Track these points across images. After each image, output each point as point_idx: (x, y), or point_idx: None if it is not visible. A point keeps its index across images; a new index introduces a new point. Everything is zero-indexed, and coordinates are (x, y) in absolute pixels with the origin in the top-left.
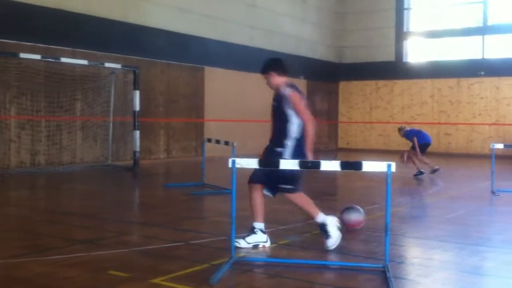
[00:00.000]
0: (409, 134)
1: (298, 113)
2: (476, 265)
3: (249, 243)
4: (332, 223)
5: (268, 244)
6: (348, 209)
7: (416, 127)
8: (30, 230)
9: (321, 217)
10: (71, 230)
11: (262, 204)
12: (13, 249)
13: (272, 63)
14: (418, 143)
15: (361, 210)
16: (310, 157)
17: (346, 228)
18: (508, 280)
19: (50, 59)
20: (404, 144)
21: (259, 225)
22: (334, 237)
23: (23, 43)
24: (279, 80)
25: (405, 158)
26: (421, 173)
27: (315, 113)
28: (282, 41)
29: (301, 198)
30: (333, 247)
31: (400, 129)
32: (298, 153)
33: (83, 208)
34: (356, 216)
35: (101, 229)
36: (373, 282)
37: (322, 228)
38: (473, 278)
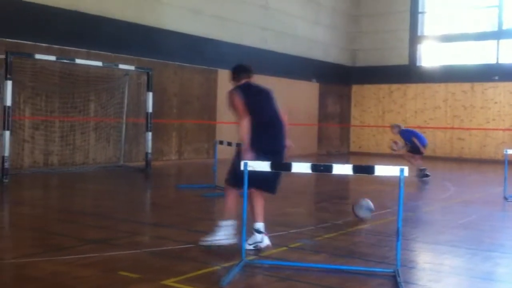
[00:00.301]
0: (406, 134)
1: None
2: (488, 271)
3: (249, 245)
4: (227, 229)
5: (264, 245)
6: (361, 206)
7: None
8: (43, 229)
9: (226, 223)
10: (84, 230)
11: (261, 205)
12: (26, 248)
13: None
14: (420, 143)
15: (371, 207)
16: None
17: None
18: None
19: (65, 60)
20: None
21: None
22: (214, 238)
23: (38, 44)
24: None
25: (395, 147)
26: (426, 174)
27: (326, 116)
28: (294, 43)
29: (229, 194)
30: (204, 243)
31: (393, 126)
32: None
33: (95, 208)
34: (365, 215)
35: (113, 229)
36: (384, 287)
37: (218, 226)
38: (485, 284)
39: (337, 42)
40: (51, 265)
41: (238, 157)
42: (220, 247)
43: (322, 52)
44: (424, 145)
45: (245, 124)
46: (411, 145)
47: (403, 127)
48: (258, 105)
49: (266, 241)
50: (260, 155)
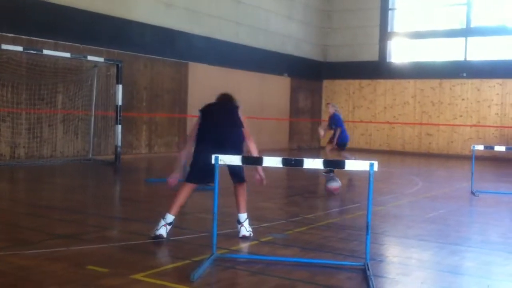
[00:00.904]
0: (337, 119)
1: None
2: (455, 264)
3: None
4: (164, 222)
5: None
6: (330, 179)
7: (398, 127)
8: (10, 223)
9: (169, 216)
10: (52, 224)
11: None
12: None
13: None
14: (339, 139)
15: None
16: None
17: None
18: (486, 280)
19: (32, 51)
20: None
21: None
22: (158, 231)
23: (5, 34)
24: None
25: (323, 133)
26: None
27: (298, 111)
28: (267, 38)
29: (182, 189)
30: (153, 235)
31: (332, 105)
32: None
33: (64, 202)
34: (335, 184)
35: (82, 224)
36: (353, 280)
37: (162, 219)
38: (452, 277)
39: (309, 38)
40: (18, 259)
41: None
42: (191, 242)
43: (294, 47)
44: (343, 142)
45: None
46: (333, 132)
47: (338, 112)
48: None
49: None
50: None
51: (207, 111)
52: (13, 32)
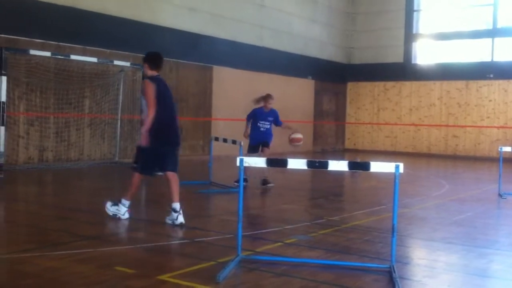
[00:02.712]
0: (275, 114)
1: (147, 102)
2: (482, 267)
3: (169, 221)
4: (123, 210)
5: (178, 222)
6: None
7: (424, 129)
8: (38, 225)
9: (123, 203)
10: (79, 226)
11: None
12: (21, 244)
13: (148, 56)
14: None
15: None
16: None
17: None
18: None
19: (60, 56)
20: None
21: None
22: (119, 212)
23: (33, 40)
24: (149, 72)
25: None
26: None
27: (322, 113)
28: (290, 41)
29: (134, 179)
30: (109, 212)
31: (272, 98)
32: (151, 141)
33: (90, 204)
34: (297, 135)
35: (108, 226)
36: (379, 282)
37: (122, 203)
38: (479, 280)
39: (333, 40)
40: (47, 260)
41: (144, 145)
42: (216, 243)
43: (318, 49)
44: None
45: (152, 113)
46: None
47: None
48: (166, 100)
49: (180, 219)
50: (163, 146)
51: None
52: (42, 37)
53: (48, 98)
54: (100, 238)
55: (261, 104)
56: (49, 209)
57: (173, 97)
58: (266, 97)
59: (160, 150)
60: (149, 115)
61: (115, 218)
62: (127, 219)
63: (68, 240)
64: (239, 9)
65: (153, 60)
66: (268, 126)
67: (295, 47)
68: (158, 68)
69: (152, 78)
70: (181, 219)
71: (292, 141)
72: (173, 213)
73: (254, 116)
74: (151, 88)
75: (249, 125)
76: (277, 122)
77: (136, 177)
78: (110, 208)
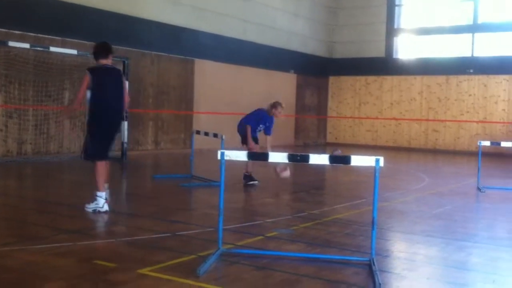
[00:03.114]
0: (272, 126)
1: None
2: (461, 260)
3: (89, 208)
4: (101, 202)
5: (103, 209)
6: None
7: (405, 123)
8: (18, 219)
9: (99, 195)
10: (59, 220)
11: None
12: (0, 238)
13: (93, 48)
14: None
15: None
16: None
17: None
18: (493, 275)
19: (39, 48)
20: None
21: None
22: (97, 206)
23: (12, 31)
24: (96, 63)
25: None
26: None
27: (304, 107)
28: (274, 35)
29: (95, 168)
30: (88, 209)
31: (282, 108)
32: (90, 128)
33: (70, 198)
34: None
35: (88, 219)
36: (359, 275)
37: (97, 196)
38: (458, 273)
39: (316, 34)
40: (26, 254)
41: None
42: (197, 237)
43: (300, 44)
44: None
45: (76, 102)
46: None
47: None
48: (106, 88)
49: (106, 207)
50: (103, 134)
51: None
52: (20, 29)
53: (27, 90)
54: (80, 231)
55: (266, 108)
56: (29, 202)
57: (119, 85)
58: (276, 105)
59: (108, 136)
60: (73, 102)
61: (96, 212)
62: (107, 211)
63: (48, 234)
64: (222, 2)
65: (94, 51)
66: (262, 130)
67: (278, 41)
68: (100, 58)
69: (92, 69)
70: (106, 206)
71: (279, 174)
72: (100, 199)
73: (258, 122)
74: (85, 80)
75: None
76: (268, 130)
77: (97, 165)
78: (89, 207)
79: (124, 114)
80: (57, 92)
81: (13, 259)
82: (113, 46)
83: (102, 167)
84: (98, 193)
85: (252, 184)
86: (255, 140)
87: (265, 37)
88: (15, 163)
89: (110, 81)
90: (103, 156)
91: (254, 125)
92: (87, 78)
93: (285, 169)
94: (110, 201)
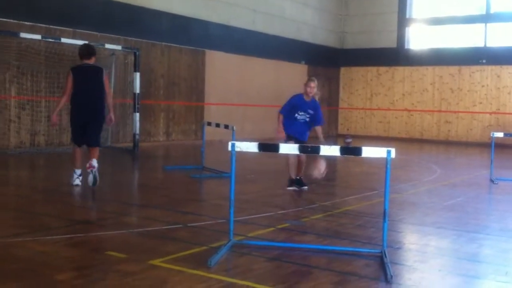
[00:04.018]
0: (319, 109)
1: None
2: (473, 252)
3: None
4: (73, 177)
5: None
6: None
7: (417, 114)
8: (30, 210)
9: (78, 171)
10: (71, 210)
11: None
12: (13, 228)
13: (79, 50)
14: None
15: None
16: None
17: None
18: (504, 267)
19: (50, 39)
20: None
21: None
22: (74, 181)
23: (23, 22)
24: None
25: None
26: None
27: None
28: (283, 26)
29: (75, 150)
30: (74, 183)
31: (313, 82)
32: (71, 118)
33: (82, 189)
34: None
35: (100, 210)
36: (370, 267)
37: (74, 172)
38: (470, 265)
39: (326, 25)
40: (38, 244)
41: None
42: (208, 228)
43: (310, 34)
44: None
45: (64, 97)
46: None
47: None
48: (81, 86)
49: (76, 182)
50: (74, 123)
51: None
52: (32, 20)
53: (39, 82)
54: (92, 222)
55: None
56: (41, 193)
57: (95, 83)
58: (307, 82)
59: (77, 125)
60: (59, 104)
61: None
62: (77, 185)
63: (60, 225)
64: None
65: (79, 52)
66: (308, 119)
67: (288, 32)
68: (82, 58)
69: (73, 68)
70: (78, 181)
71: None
72: (73, 174)
73: (293, 108)
74: (68, 77)
75: (282, 120)
76: (316, 119)
77: (73, 149)
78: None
79: (104, 109)
80: None
81: (25, 249)
82: (124, 37)
83: (75, 151)
84: (77, 170)
85: (295, 190)
86: (291, 131)
87: (275, 27)
88: (28, 154)
89: (85, 79)
90: (76, 142)
91: (287, 113)
92: (70, 76)
93: (320, 169)
94: (120, 190)
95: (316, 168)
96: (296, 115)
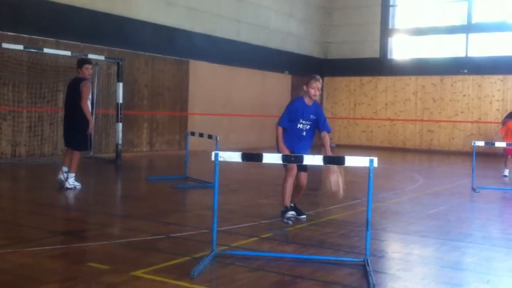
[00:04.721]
0: (322, 113)
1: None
2: (456, 260)
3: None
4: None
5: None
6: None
7: (399, 123)
8: (11, 221)
9: (72, 174)
10: (52, 222)
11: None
12: None
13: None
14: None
15: None
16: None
17: None
18: (487, 275)
19: (33, 50)
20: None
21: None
22: (74, 184)
23: (6, 33)
24: None
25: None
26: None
27: None
28: (268, 36)
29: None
30: (69, 186)
31: (317, 80)
32: None
33: (64, 200)
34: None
35: (82, 221)
36: (353, 276)
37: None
38: (452, 273)
39: (310, 35)
40: (18, 256)
41: None
42: (191, 239)
43: (295, 44)
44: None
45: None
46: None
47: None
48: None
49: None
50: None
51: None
52: (14, 30)
53: (21, 92)
54: (74, 234)
55: (301, 93)
56: (22, 204)
57: (73, 92)
58: (310, 81)
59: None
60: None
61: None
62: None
63: (41, 236)
64: (216, 3)
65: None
66: (309, 127)
67: (272, 42)
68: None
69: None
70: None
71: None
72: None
73: (294, 117)
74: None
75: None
76: (321, 124)
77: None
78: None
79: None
80: (51, 94)
81: (6, 261)
82: (107, 47)
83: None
84: (72, 174)
85: (289, 219)
86: (295, 146)
87: (259, 38)
88: (9, 165)
89: (67, 89)
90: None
91: (287, 124)
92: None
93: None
94: (102, 201)
95: (332, 182)
96: (299, 125)
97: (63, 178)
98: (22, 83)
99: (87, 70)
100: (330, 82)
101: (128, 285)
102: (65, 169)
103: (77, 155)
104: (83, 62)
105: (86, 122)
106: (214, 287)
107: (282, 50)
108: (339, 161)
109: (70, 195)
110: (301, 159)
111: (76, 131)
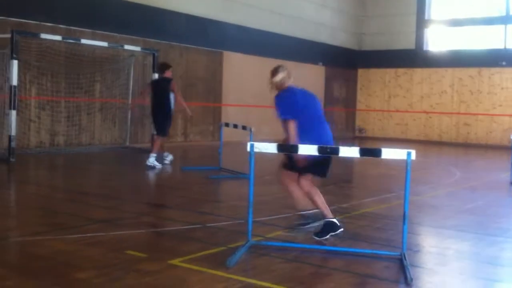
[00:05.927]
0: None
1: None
2: (493, 255)
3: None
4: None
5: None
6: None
7: (435, 116)
8: (50, 208)
9: (153, 154)
10: (90, 210)
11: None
12: (32, 226)
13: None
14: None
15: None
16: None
17: None
18: None
19: (70, 40)
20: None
21: None
22: (156, 164)
23: (44, 23)
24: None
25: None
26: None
27: (332, 100)
28: (301, 27)
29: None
30: (149, 164)
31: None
32: None
33: (101, 188)
34: None
35: (119, 210)
36: (390, 269)
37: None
38: (490, 268)
39: (344, 26)
40: (58, 243)
41: None
42: (226, 229)
43: (328, 35)
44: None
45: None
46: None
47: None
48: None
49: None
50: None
51: None
52: (52, 21)
53: (59, 82)
54: (111, 222)
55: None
56: (61, 192)
57: (156, 91)
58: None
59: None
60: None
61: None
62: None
63: (79, 224)
64: None
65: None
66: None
67: (306, 33)
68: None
69: None
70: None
71: None
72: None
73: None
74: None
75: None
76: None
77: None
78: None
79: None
80: (88, 84)
81: (45, 247)
82: (143, 38)
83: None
84: (153, 154)
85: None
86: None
87: (293, 28)
88: (48, 154)
89: (153, 87)
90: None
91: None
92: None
93: None
94: (138, 190)
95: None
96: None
97: (167, 162)
98: (60, 73)
99: (169, 72)
100: (364, 74)
101: (165, 273)
102: (164, 154)
103: (158, 140)
104: (166, 67)
105: (170, 113)
106: (250, 277)
107: (315, 41)
108: (376, 153)
109: (108, 183)
110: (336, 150)
111: (163, 119)
